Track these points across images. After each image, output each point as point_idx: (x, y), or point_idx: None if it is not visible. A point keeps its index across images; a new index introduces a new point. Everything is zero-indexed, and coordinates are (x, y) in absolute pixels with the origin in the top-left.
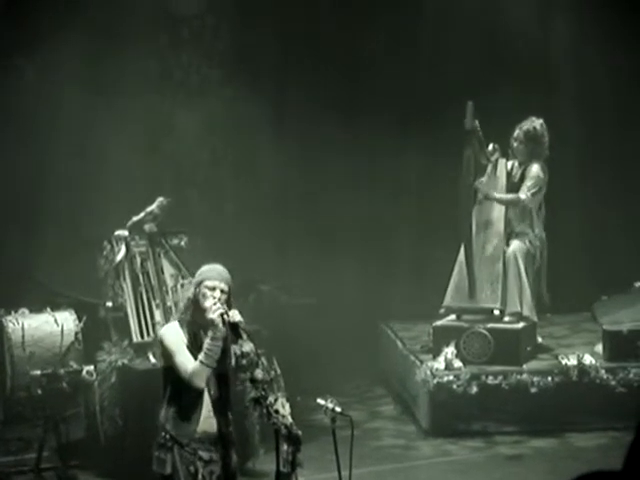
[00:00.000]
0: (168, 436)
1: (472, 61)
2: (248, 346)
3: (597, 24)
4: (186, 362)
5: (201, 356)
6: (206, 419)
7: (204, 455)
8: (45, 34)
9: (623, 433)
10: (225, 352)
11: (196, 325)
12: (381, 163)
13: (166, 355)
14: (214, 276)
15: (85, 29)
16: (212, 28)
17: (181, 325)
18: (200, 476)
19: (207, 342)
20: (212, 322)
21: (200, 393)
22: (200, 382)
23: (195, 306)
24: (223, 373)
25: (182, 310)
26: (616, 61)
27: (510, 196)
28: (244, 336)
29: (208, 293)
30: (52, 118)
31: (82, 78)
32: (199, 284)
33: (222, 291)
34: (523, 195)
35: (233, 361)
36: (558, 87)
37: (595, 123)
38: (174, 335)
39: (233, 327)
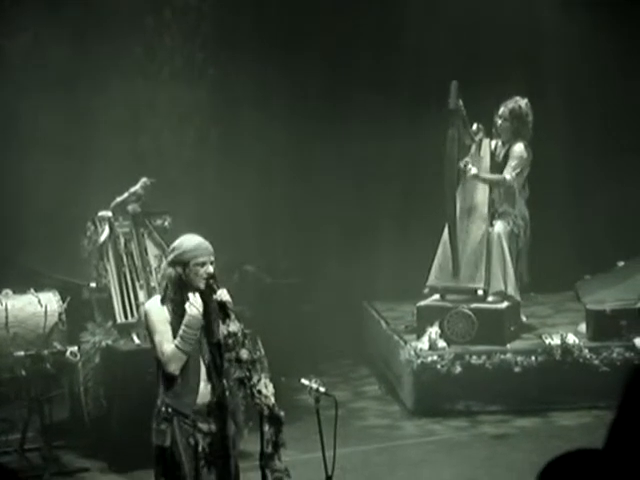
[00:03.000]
0: (170, 410)
1: (457, 46)
2: (235, 326)
3: (583, 9)
4: (164, 343)
5: (177, 341)
6: (203, 389)
7: (203, 427)
8: (29, 15)
9: (606, 412)
10: (214, 322)
11: (181, 303)
12: (367, 144)
13: (149, 331)
14: (203, 252)
15: (69, 10)
16: (196, 9)
17: (163, 302)
18: (200, 448)
19: (183, 327)
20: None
21: (197, 362)
22: (174, 367)
23: (182, 284)
24: (216, 342)
25: (169, 288)
26: (601, 46)
27: (496, 176)
28: (232, 316)
29: (201, 270)
30: (35, 99)
31: (66, 59)
32: (187, 263)
33: (211, 263)
34: (508, 175)
35: (222, 338)
36: (542, 70)
37: (579, 105)
38: (157, 312)
39: (221, 306)
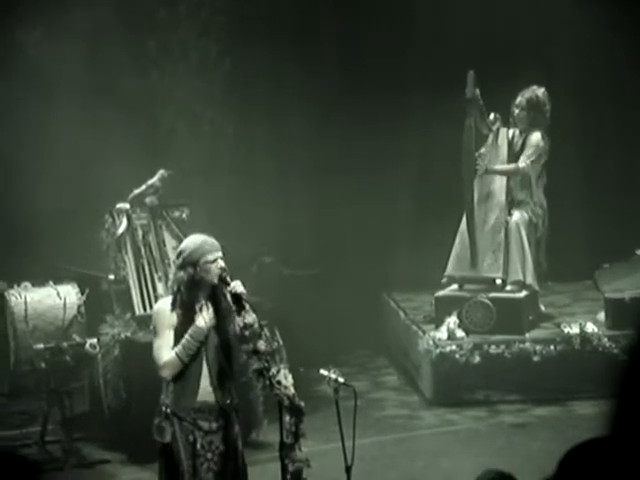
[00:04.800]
0: (169, 410)
1: (471, 35)
2: (251, 317)
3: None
4: (163, 349)
5: (177, 349)
6: (205, 389)
7: (204, 425)
8: (44, 10)
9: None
10: (225, 320)
11: (191, 308)
12: (381, 133)
13: (153, 332)
14: (210, 248)
15: (84, 5)
16: (209, 3)
17: (173, 307)
18: (199, 445)
19: (187, 337)
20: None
21: (199, 364)
22: (168, 374)
23: (194, 284)
24: (222, 344)
25: (182, 291)
26: (614, 40)
27: (508, 166)
28: (247, 307)
29: (212, 266)
30: (52, 92)
31: (82, 53)
32: (197, 261)
33: (221, 258)
34: (522, 164)
35: (238, 330)
36: (556, 60)
37: (594, 95)
38: (165, 316)
39: (236, 298)
